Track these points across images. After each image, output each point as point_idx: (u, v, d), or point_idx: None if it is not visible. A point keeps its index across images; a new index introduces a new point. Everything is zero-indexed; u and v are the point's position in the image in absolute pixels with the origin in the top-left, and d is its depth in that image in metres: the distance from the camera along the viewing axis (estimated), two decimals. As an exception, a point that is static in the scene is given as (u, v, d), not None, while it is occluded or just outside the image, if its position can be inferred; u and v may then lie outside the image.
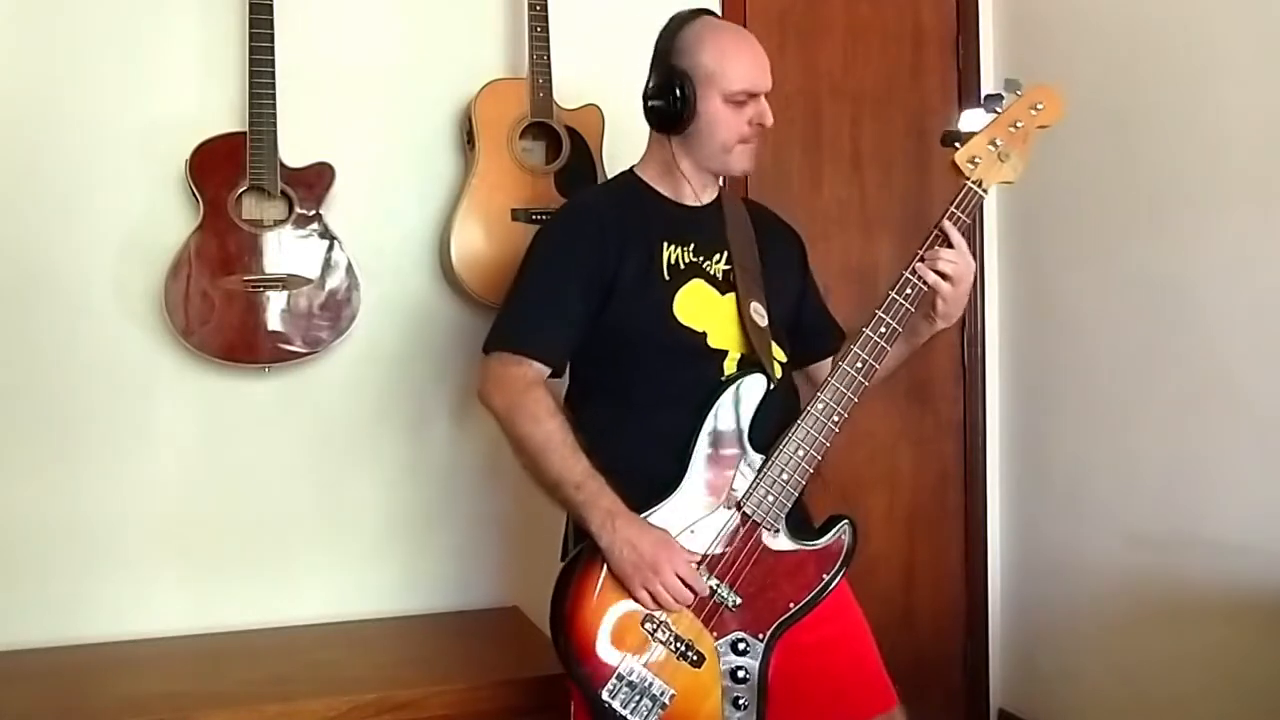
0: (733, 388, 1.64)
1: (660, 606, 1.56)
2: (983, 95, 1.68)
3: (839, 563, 1.65)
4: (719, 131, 1.70)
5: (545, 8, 2.37)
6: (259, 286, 2.24)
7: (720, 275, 1.73)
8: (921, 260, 1.63)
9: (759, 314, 1.72)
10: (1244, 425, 2.32)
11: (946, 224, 1.63)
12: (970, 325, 3.02)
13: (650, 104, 1.72)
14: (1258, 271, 2.29)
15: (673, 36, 1.72)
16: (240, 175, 2.22)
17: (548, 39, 2.36)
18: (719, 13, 2.72)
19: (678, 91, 1.67)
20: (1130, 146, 2.59)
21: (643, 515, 1.59)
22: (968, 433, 3.04)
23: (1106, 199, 2.67)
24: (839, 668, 1.72)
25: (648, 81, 1.74)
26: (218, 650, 2.20)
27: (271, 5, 2.22)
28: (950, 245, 1.64)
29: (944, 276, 1.63)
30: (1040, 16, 2.90)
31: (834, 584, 1.64)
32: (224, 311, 2.22)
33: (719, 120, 1.69)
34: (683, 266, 1.71)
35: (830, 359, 1.88)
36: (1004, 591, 3.03)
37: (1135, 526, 2.58)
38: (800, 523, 1.67)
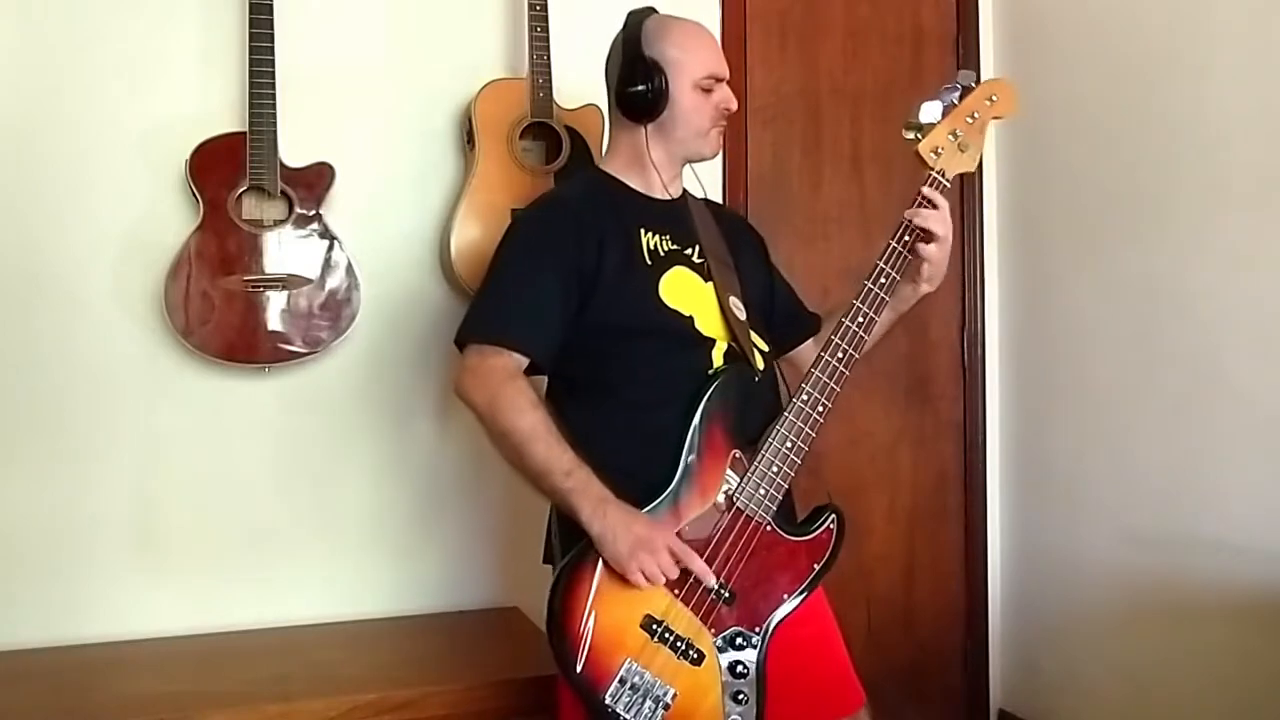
0: (719, 382, 1.64)
1: (654, 583, 1.55)
2: (938, 88, 1.74)
3: (828, 552, 1.66)
4: (693, 117, 1.75)
5: (545, 8, 2.37)
6: (259, 286, 2.24)
7: (701, 265, 1.75)
8: (898, 241, 1.68)
9: (737, 307, 1.74)
10: (1244, 425, 2.32)
11: (926, 189, 1.68)
12: (970, 325, 3.02)
13: (626, 91, 1.75)
14: (1257, 271, 2.29)
15: (636, 29, 1.78)
16: (240, 175, 2.22)
17: (548, 39, 2.36)
18: (719, 12, 2.74)
19: (653, 80, 1.73)
20: (1129, 146, 2.59)
21: None
22: (968, 433, 3.04)
23: (1106, 199, 2.67)
24: (812, 668, 1.73)
25: (612, 74, 1.79)
26: (218, 650, 2.20)
27: (271, 5, 2.22)
28: (935, 207, 1.68)
29: (927, 235, 1.68)
30: (1040, 16, 2.90)
31: (825, 573, 1.66)
32: (224, 311, 2.22)
33: (691, 106, 1.75)
34: (663, 253, 1.73)
35: (809, 341, 1.94)
36: (1004, 591, 3.03)
37: (1135, 526, 2.58)
38: (788, 515, 1.69)
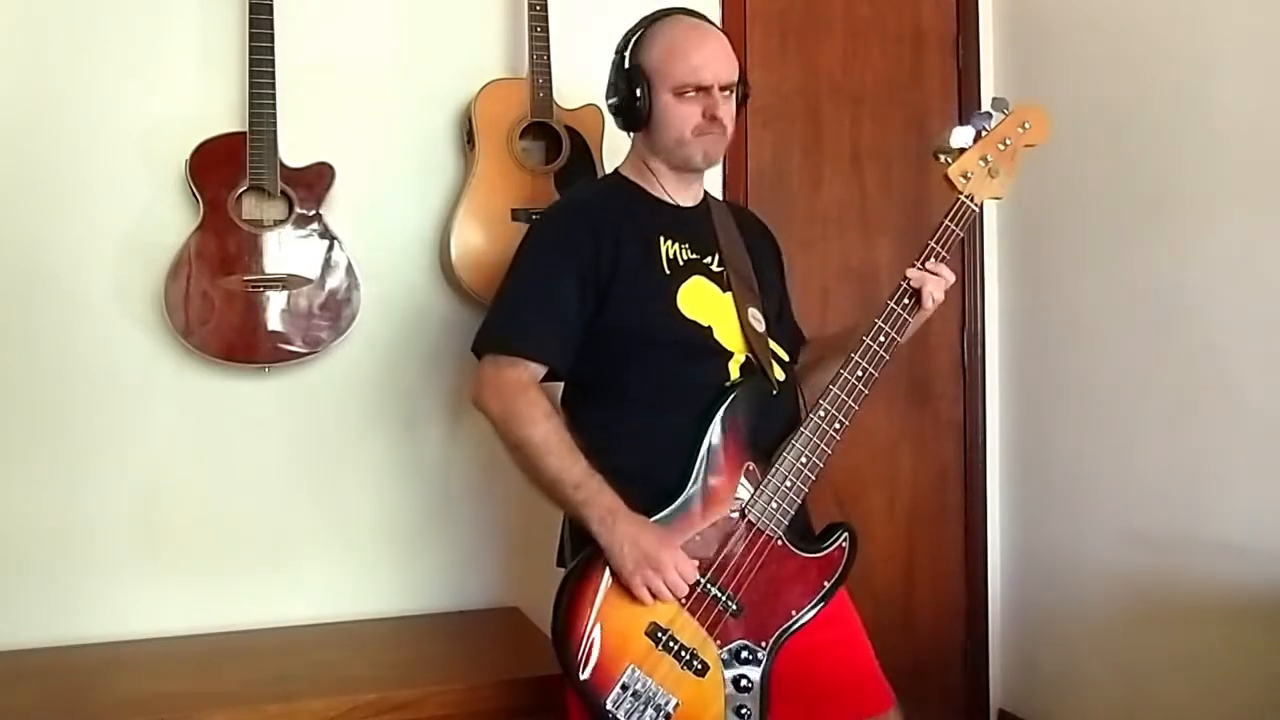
0: (735, 393, 1.63)
1: (659, 600, 1.55)
2: (971, 112, 1.76)
3: (839, 570, 1.66)
4: (671, 125, 1.72)
5: (545, 8, 2.37)
6: (259, 286, 2.23)
7: (720, 274, 1.74)
8: (921, 264, 1.67)
9: (757, 319, 1.73)
10: (1244, 426, 2.31)
11: (933, 260, 1.67)
12: (970, 325, 3.02)
13: (609, 102, 1.78)
14: (1257, 273, 2.29)
15: (629, 37, 1.77)
16: (240, 175, 2.21)
17: (548, 39, 2.36)
18: (719, 13, 2.74)
19: (632, 90, 1.72)
20: (1130, 148, 2.59)
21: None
22: (968, 433, 3.03)
23: (1106, 200, 2.66)
24: (837, 670, 1.72)
25: (606, 84, 1.80)
26: (218, 650, 2.20)
27: (271, 5, 2.22)
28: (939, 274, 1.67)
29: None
30: (1040, 17, 2.90)
31: (835, 591, 1.65)
32: (224, 311, 2.21)
33: (670, 114, 1.72)
34: (682, 262, 1.71)
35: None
36: (1004, 591, 3.03)
37: (1135, 526, 2.57)
38: (803, 530, 1.68)
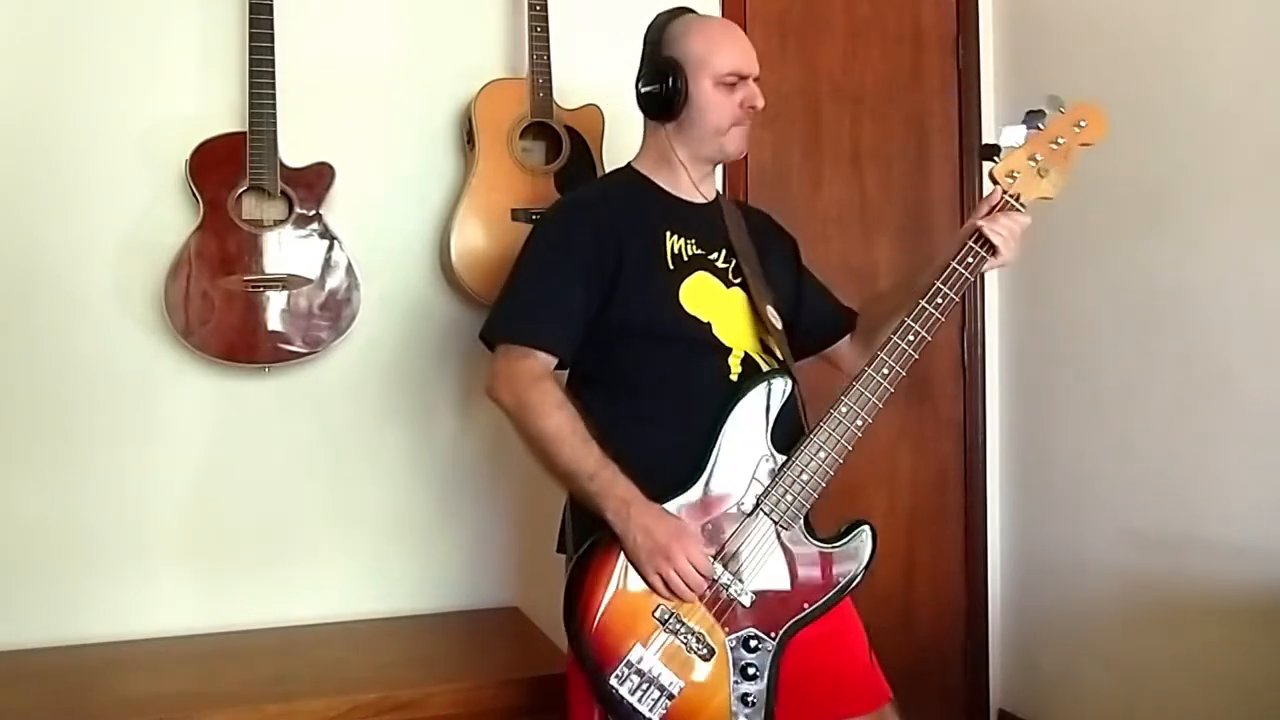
0: (762, 385, 1.64)
1: (673, 593, 1.56)
2: (1025, 111, 1.68)
3: (858, 567, 1.65)
4: (711, 115, 1.73)
5: (545, 8, 2.37)
6: (259, 286, 2.24)
7: (725, 270, 1.74)
8: (961, 263, 1.67)
9: (774, 316, 1.74)
10: (1244, 425, 2.32)
11: (1001, 213, 1.66)
12: (970, 325, 3.02)
13: (643, 90, 1.75)
14: (1257, 272, 2.29)
15: (661, 29, 1.77)
16: (240, 175, 2.22)
17: (548, 39, 2.36)
18: (718, 13, 2.74)
19: (670, 79, 1.71)
20: (1130, 147, 2.58)
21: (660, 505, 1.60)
22: (968, 432, 3.04)
23: (1106, 199, 2.66)
24: (836, 664, 1.72)
25: (639, 74, 1.78)
26: (218, 650, 2.20)
27: (271, 5, 2.22)
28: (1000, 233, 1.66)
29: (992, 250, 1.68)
30: (1040, 17, 2.90)
31: (851, 587, 1.65)
32: (224, 311, 2.22)
33: (711, 104, 1.72)
34: (686, 258, 1.72)
35: (846, 338, 1.95)
36: (1004, 591, 3.03)
37: (1135, 526, 2.58)
38: (815, 524, 1.67)
